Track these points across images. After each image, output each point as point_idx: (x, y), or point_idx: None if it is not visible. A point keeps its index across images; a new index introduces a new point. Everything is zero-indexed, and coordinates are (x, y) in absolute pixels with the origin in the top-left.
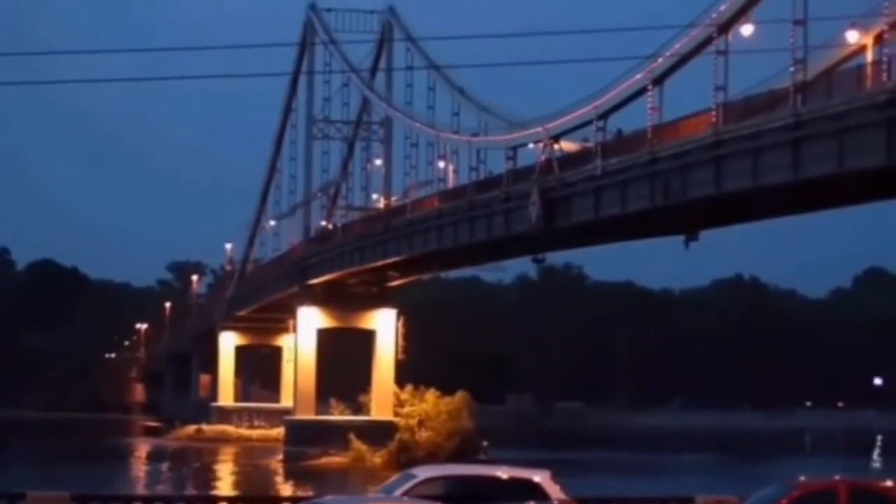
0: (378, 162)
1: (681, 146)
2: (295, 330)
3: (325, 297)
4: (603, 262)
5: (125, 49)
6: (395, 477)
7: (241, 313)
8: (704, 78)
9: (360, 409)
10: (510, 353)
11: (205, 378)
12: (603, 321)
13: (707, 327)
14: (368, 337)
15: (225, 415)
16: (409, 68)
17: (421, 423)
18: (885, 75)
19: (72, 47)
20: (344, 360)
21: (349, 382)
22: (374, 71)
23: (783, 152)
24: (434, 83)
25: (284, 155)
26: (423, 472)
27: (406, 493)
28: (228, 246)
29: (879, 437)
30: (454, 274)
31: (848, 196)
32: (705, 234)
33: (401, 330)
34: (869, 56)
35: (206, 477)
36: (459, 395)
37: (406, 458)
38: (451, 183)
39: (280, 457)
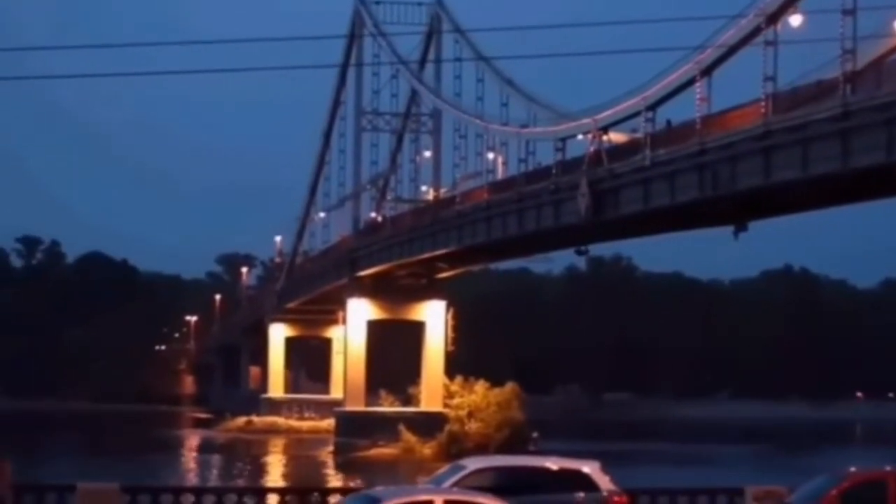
0: (427, 154)
1: (729, 137)
2: (344, 321)
3: (375, 289)
4: (652, 253)
5: (170, 42)
6: (445, 468)
7: (291, 305)
8: (753, 69)
9: (409, 400)
10: (559, 344)
11: (254, 370)
12: (652, 312)
13: (756, 318)
14: (418, 328)
15: (275, 406)
16: (458, 60)
17: (471, 415)
18: None
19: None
20: (393, 351)
21: (399, 374)
22: (422, 62)
23: (832, 142)
24: (483, 74)
25: (333, 147)
26: (472, 464)
27: (456, 484)
28: (278, 238)
29: None
30: (503, 265)
31: None
32: (754, 225)
33: (450, 321)
34: None
35: (256, 468)
36: (509, 387)
37: (456, 449)
38: (500, 174)
39: (330, 448)
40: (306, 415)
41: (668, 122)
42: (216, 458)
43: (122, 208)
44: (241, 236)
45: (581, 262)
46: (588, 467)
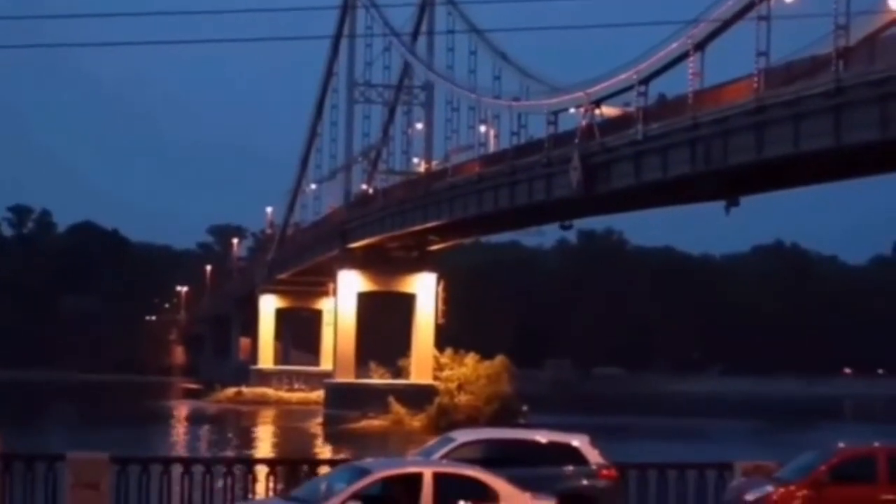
0: (419, 126)
1: (722, 112)
2: (335, 293)
3: (366, 261)
4: (643, 227)
5: (162, 12)
6: (434, 440)
7: (282, 276)
8: (746, 43)
9: (399, 372)
10: (550, 317)
11: (245, 341)
12: (643, 286)
13: (747, 293)
14: (408, 301)
15: (264, 377)
16: (451, 32)
17: (460, 387)
18: None
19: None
20: (384, 323)
21: (389, 346)
22: (415, 35)
23: (825, 118)
24: (476, 47)
25: (325, 119)
26: (462, 436)
27: (445, 457)
28: (269, 209)
29: None
30: (494, 238)
31: (890, 162)
32: (746, 200)
33: (441, 294)
34: None
35: (246, 439)
36: (499, 360)
37: (445, 421)
38: (491, 147)
39: (319, 420)
40: (296, 386)
41: (662, 96)
42: (206, 429)
43: (112, 177)
44: (232, 207)
45: (572, 236)
46: (577, 441)
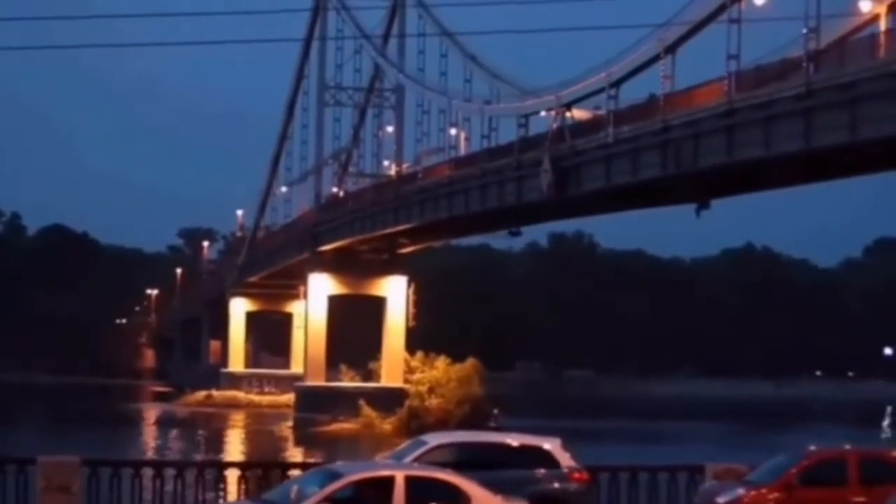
0: (390, 129)
1: (693, 115)
2: (305, 296)
3: (336, 264)
4: (614, 230)
5: (136, 14)
6: (405, 443)
7: (252, 279)
8: (717, 46)
9: (370, 375)
10: (520, 320)
11: (215, 344)
12: (614, 289)
13: (718, 296)
14: (379, 304)
15: (235, 381)
16: (422, 35)
17: (431, 390)
18: None
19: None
20: (354, 326)
21: (359, 349)
22: (386, 37)
23: (795, 121)
24: (446, 50)
25: (296, 121)
26: (433, 439)
27: (417, 460)
28: (239, 212)
29: (889, 408)
30: (465, 241)
31: (860, 165)
32: (716, 203)
33: (411, 297)
34: (882, 25)
35: (216, 442)
36: (470, 363)
37: (416, 424)
38: (462, 150)
39: (290, 423)
40: (266, 389)
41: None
42: (176, 432)
43: (82, 182)
44: (202, 210)
45: (543, 239)
46: (549, 444)
